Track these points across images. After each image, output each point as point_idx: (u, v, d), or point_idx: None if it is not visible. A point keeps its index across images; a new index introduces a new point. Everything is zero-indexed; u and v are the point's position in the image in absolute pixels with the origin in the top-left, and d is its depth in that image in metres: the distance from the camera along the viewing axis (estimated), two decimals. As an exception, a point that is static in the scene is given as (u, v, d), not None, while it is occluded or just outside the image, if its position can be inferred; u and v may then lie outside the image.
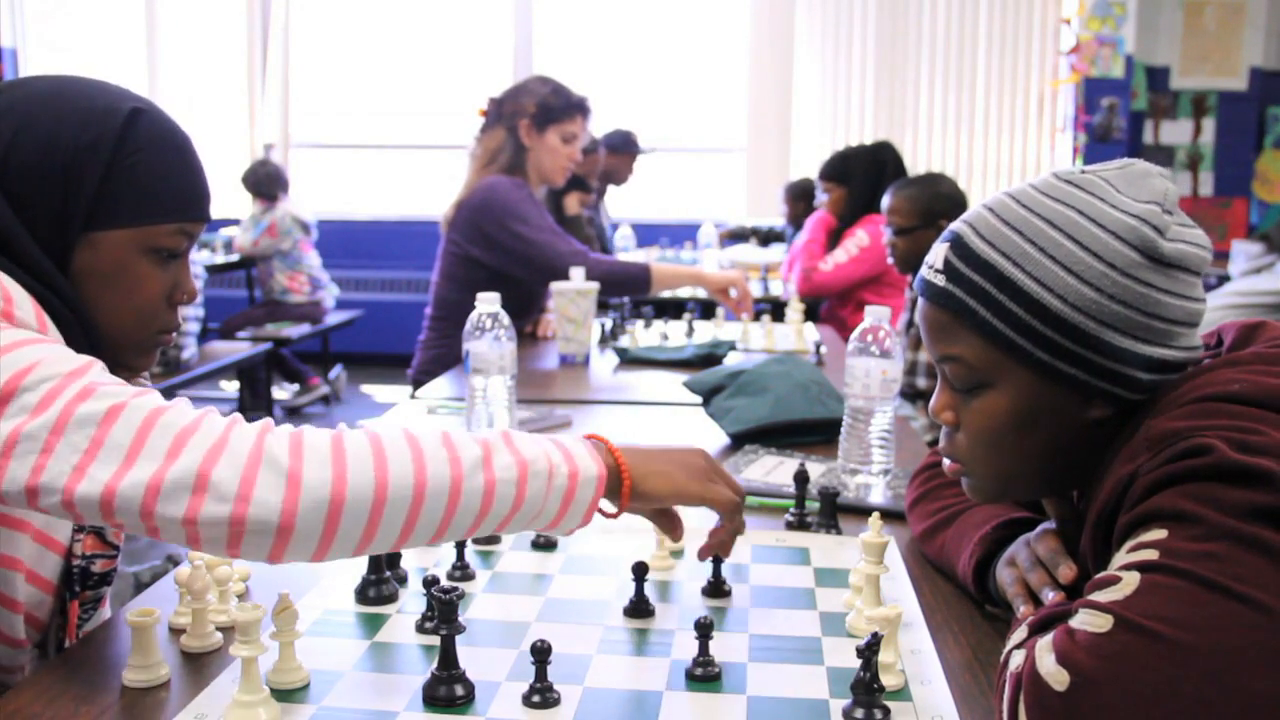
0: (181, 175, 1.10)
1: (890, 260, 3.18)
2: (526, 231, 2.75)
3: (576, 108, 2.89)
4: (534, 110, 2.85)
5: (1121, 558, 0.79)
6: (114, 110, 1.07)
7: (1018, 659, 0.78)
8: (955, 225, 0.98)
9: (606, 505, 1.04)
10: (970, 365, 0.95)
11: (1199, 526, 0.75)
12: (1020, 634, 0.83)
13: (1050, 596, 0.95)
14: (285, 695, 0.93)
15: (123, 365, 1.12)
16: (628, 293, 2.87)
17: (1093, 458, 0.93)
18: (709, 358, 2.62)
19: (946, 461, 1.02)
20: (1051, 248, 0.90)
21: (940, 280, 0.96)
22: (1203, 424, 0.81)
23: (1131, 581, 0.75)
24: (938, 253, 0.97)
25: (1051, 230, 0.91)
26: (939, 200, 3.05)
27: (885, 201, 3.12)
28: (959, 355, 0.96)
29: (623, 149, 5.12)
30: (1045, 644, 0.76)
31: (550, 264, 2.74)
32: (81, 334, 1.05)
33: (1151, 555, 0.76)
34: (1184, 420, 0.82)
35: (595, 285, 2.62)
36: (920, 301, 1.00)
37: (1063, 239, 0.90)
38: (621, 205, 6.32)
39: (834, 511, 1.37)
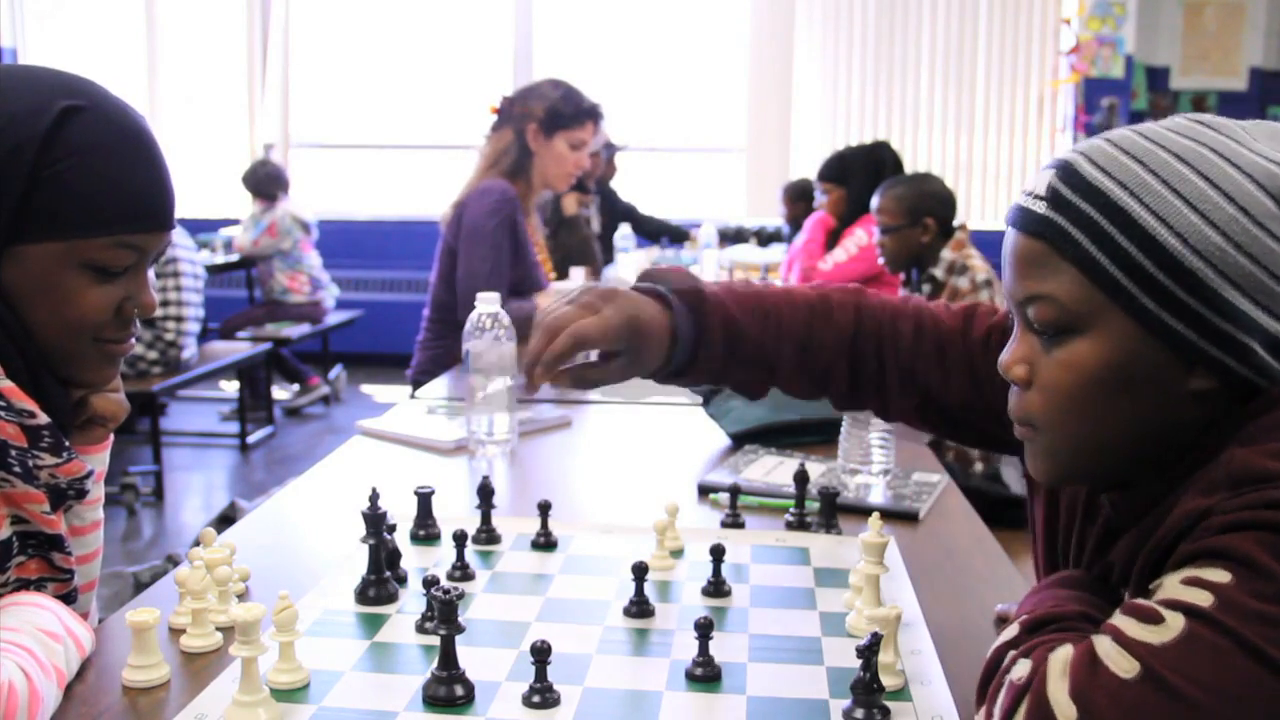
0: (122, 183, 1.00)
1: (880, 260, 3.19)
2: (473, 249, 2.74)
3: (587, 114, 2.87)
4: (542, 115, 2.83)
5: (1173, 587, 0.71)
6: (42, 110, 0.97)
7: (1021, 669, 0.73)
8: (1064, 153, 0.85)
9: None
10: (1062, 306, 0.81)
11: (1266, 583, 0.68)
12: (1012, 631, 0.80)
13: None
14: (285, 695, 0.93)
15: (74, 382, 1.06)
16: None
17: (1180, 444, 0.82)
18: (709, 358, 2.61)
19: (1016, 427, 0.88)
20: (1176, 181, 0.78)
21: (1040, 207, 0.83)
22: None
23: (1174, 625, 0.69)
24: (1041, 179, 0.84)
25: (1178, 164, 0.79)
26: (925, 199, 3.07)
27: (874, 201, 3.13)
28: (1050, 294, 0.82)
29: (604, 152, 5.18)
30: (1060, 666, 0.71)
31: (465, 286, 2.71)
32: (14, 349, 1.00)
33: (1205, 599, 0.69)
34: (1277, 460, 0.73)
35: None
36: (1010, 234, 0.86)
37: (1191, 174, 0.78)
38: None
39: (834, 511, 1.37)
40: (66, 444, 1.03)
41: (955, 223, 3.13)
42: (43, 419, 1.00)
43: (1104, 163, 0.81)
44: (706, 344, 1.11)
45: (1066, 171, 0.82)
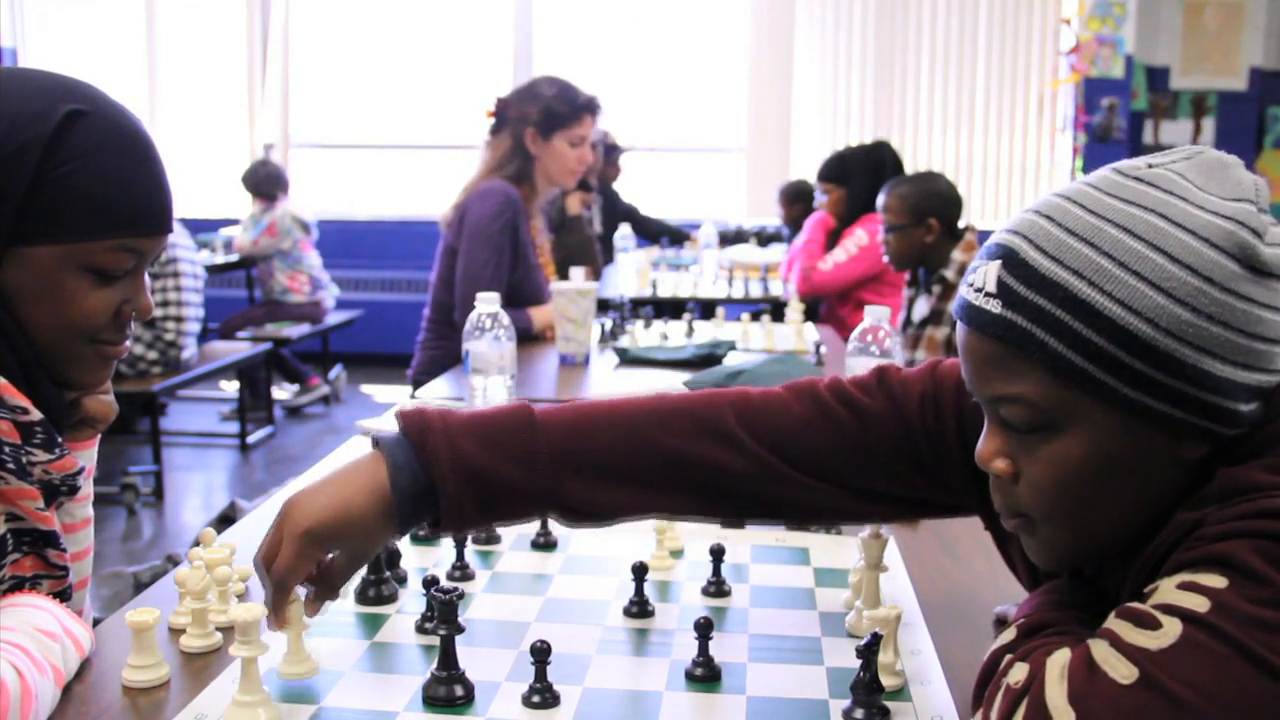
0: (124, 187, 1.00)
1: (885, 258, 3.20)
2: (475, 250, 2.74)
3: (584, 109, 2.87)
4: (538, 118, 2.82)
5: (1169, 591, 0.71)
6: (47, 113, 0.97)
7: (1018, 673, 0.73)
8: (1001, 238, 0.80)
9: None
10: (1036, 408, 0.78)
11: (1262, 588, 0.67)
12: (1009, 635, 0.80)
13: None
14: (295, 686, 0.94)
15: (69, 383, 1.06)
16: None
17: (1172, 500, 0.79)
18: (709, 358, 2.62)
19: (1006, 519, 0.86)
20: (1134, 261, 0.74)
21: (994, 306, 0.78)
22: None
23: (1171, 631, 0.68)
24: (986, 273, 0.80)
25: (1130, 239, 0.75)
26: (930, 198, 3.08)
27: (879, 199, 3.15)
28: (1021, 396, 0.79)
29: (605, 155, 5.18)
30: (1058, 670, 0.71)
31: (465, 286, 2.71)
32: (8, 348, 1.00)
33: (1202, 604, 0.68)
34: (1265, 473, 0.73)
35: (595, 285, 2.62)
36: (964, 331, 0.82)
37: (1146, 249, 0.74)
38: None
39: (834, 511, 1.37)
40: (59, 440, 1.03)
41: (960, 223, 3.13)
42: (35, 415, 1.01)
43: (1052, 249, 0.77)
44: (440, 481, 0.94)
45: (1013, 262, 0.78)
